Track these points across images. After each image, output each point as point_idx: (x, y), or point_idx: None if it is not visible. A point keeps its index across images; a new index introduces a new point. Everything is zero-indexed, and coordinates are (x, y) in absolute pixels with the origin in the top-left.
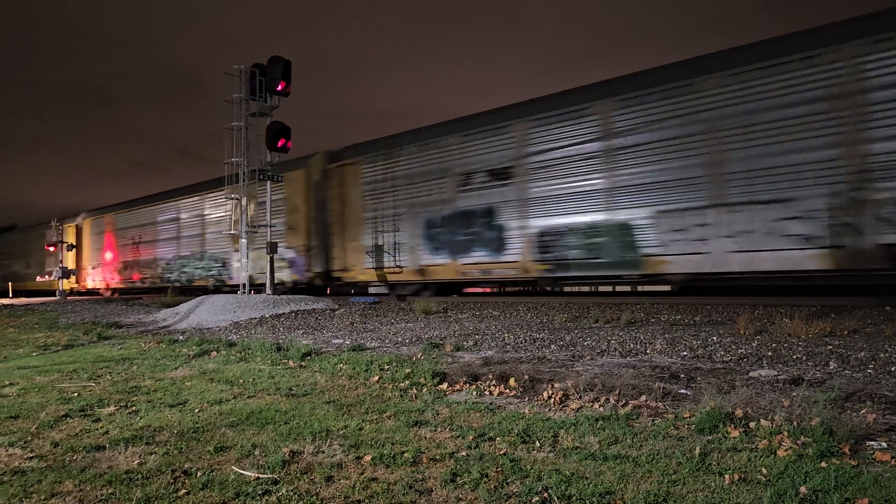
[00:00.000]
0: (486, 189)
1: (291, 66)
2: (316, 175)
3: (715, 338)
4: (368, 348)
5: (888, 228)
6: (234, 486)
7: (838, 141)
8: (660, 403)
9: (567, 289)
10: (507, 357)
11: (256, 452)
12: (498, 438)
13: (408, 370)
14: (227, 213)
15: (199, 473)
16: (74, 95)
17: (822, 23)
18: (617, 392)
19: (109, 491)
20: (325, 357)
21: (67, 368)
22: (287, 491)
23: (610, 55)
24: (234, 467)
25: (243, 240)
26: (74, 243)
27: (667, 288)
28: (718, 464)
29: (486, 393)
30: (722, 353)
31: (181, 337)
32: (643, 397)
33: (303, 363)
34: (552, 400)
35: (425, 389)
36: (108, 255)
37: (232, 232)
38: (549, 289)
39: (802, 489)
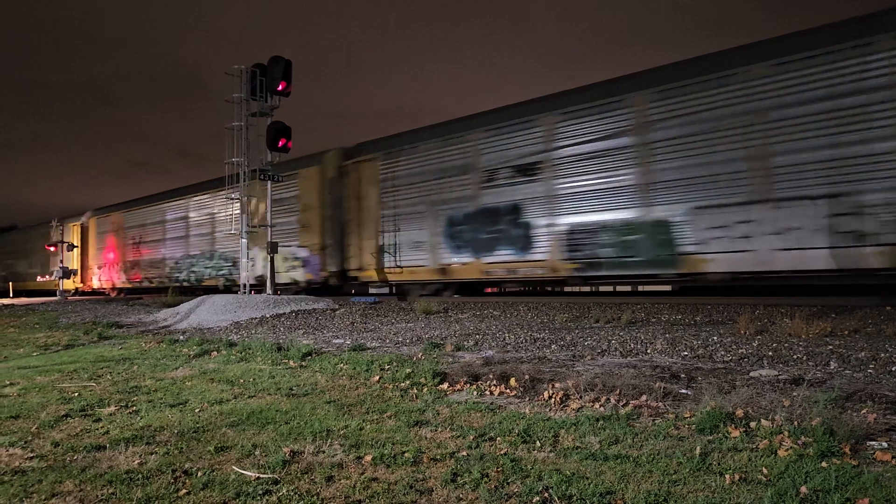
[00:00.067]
0: (512, 185)
1: (292, 66)
2: (330, 172)
3: (715, 338)
4: (369, 348)
5: None
6: (234, 486)
7: None
8: (660, 403)
9: (567, 289)
10: (508, 357)
11: (257, 452)
12: (498, 438)
13: (408, 370)
14: (238, 212)
15: (199, 473)
16: (74, 95)
17: (823, 23)
18: (617, 392)
19: (110, 491)
20: (326, 357)
21: (68, 368)
22: (287, 491)
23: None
24: (234, 467)
25: (243, 240)
26: (79, 243)
27: (667, 288)
28: (719, 464)
29: (487, 393)
30: (722, 352)
31: (182, 337)
32: (644, 397)
33: (303, 363)
34: (553, 400)
35: (426, 389)
36: (115, 255)
37: (241, 229)
38: (578, 288)
39: (803, 489)
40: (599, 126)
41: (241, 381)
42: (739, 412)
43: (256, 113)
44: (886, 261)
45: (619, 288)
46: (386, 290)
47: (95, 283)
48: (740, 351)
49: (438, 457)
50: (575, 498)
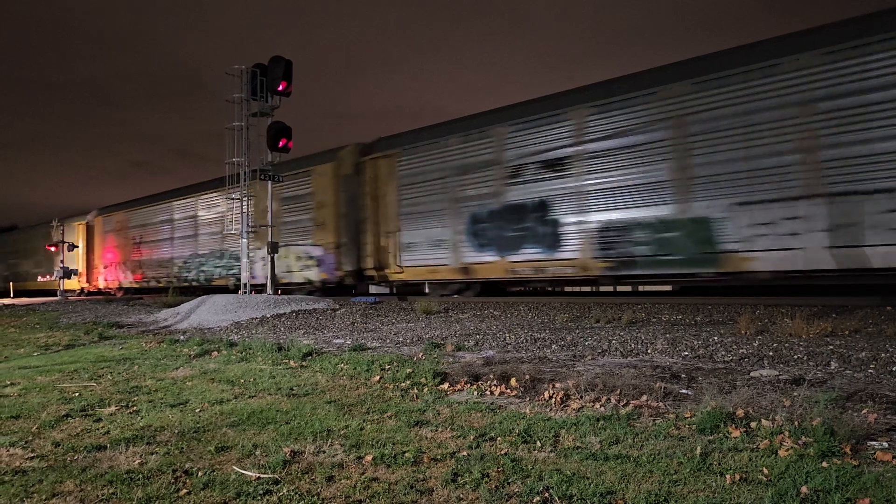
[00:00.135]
0: (539, 181)
1: (292, 66)
2: (346, 168)
3: (716, 338)
4: (369, 348)
5: None
6: (235, 486)
7: None
8: (661, 403)
9: (567, 289)
10: (509, 357)
11: (257, 452)
12: (499, 438)
13: (409, 370)
14: (249, 211)
15: (200, 473)
16: (74, 95)
17: (823, 23)
18: (618, 392)
19: (110, 491)
20: (326, 357)
21: (68, 368)
22: (288, 491)
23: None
24: (235, 467)
25: (244, 240)
26: (84, 242)
27: (668, 288)
28: (719, 464)
29: (488, 393)
30: (723, 352)
31: (182, 337)
32: (644, 397)
33: (304, 363)
34: (553, 400)
35: (426, 389)
36: (121, 254)
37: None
38: (612, 288)
39: (804, 489)
40: (633, 119)
41: (242, 381)
42: (740, 412)
43: (257, 113)
44: None
45: (619, 288)
46: (407, 290)
47: (101, 283)
48: (741, 351)
49: (439, 457)
50: (575, 498)
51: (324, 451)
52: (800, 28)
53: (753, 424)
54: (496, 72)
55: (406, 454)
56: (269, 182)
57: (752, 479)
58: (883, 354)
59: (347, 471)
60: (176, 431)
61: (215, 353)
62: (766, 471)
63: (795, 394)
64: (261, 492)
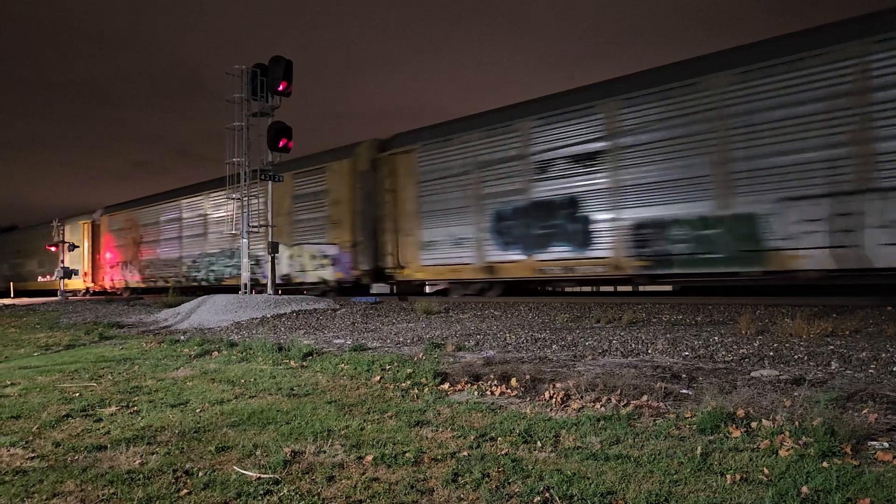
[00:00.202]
0: (568, 177)
1: (293, 66)
2: (363, 165)
3: (716, 338)
4: (370, 348)
5: None
6: (235, 486)
7: None
8: (661, 403)
9: (568, 289)
10: (509, 357)
11: (258, 452)
12: (499, 438)
13: (409, 370)
14: (262, 209)
15: (200, 473)
16: (74, 95)
17: (823, 23)
18: (618, 392)
19: (111, 491)
20: (327, 357)
21: (69, 368)
22: (288, 491)
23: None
24: (235, 467)
25: (244, 240)
26: (89, 241)
27: (668, 288)
28: (720, 464)
29: (488, 393)
30: (723, 352)
31: (182, 337)
32: (645, 397)
33: (304, 363)
34: (554, 400)
35: (427, 389)
36: (128, 253)
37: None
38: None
39: (804, 489)
40: (670, 112)
41: (242, 381)
42: (740, 412)
43: (257, 113)
44: None
45: (620, 288)
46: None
47: (107, 283)
48: (741, 351)
49: (439, 457)
50: (576, 498)
51: (324, 452)
52: (800, 28)
53: (754, 424)
54: (496, 72)
55: (407, 454)
56: (270, 182)
57: (752, 479)
58: (883, 354)
59: (348, 471)
60: (176, 431)
61: (216, 353)
62: (766, 471)
63: (796, 394)
64: (261, 492)
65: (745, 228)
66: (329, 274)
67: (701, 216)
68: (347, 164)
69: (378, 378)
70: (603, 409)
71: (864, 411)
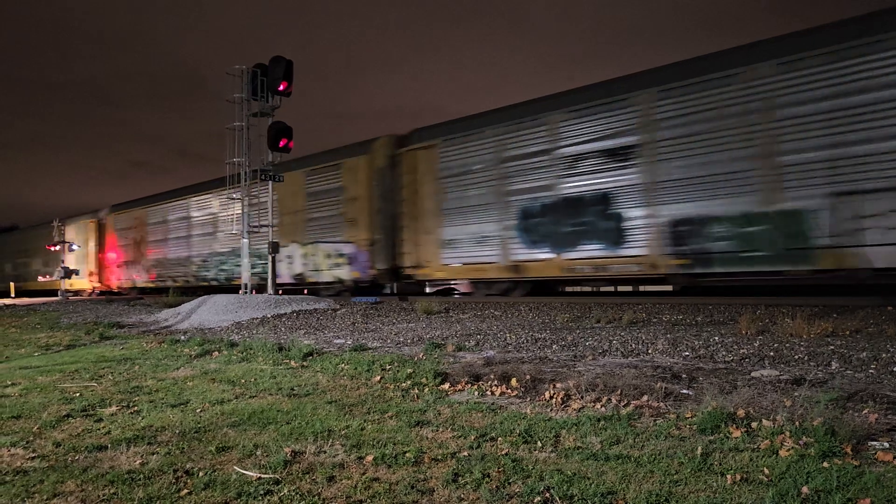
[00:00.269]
0: (600, 172)
1: (293, 66)
2: (380, 161)
3: (717, 338)
4: (370, 348)
5: None
6: (235, 486)
7: None
8: (661, 403)
9: (569, 289)
10: (509, 357)
11: (258, 452)
12: (500, 438)
13: (409, 370)
14: (274, 208)
15: (200, 473)
16: (74, 95)
17: (823, 23)
18: (619, 392)
19: (111, 491)
20: (327, 357)
21: (69, 368)
22: (289, 491)
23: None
24: (235, 467)
25: (245, 240)
26: (95, 240)
27: (668, 288)
28: (720, 464)
29: (488, 393)
30: (724, 353)
31: (183, 337)
32: (645, 397)
33: (304, 363)
34: (554, 400)
35: (427, 389)
36: (136, 252)
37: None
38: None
39: (804, 489)
40: (710, 103)
41: (243, 381)
42: (741, 412)
43: (257, 113)
44: None
45: (620, 288)
46: (461, 289)
47: (114, 283)
48: (741, 351)
49: (440, 457)
50: (576, 498)
51: (325, 452)
52: (800, 28)
53: (754, 424)
54: (496, 72)
55: (407, 454)
56: (270, 182)
57: (752, 480)
58: (884, 354)
59: (348, 471)
60: (177, 431)
61: (216, 353)
62: (766, 471)
63: (796, 394)
64: (262, 492)
65: (793, 224)
66: (345, 273)
67: (744, 212)
68: (364, 160)
69: (378, 378)
70: (603, 409)
71: (864, 411)
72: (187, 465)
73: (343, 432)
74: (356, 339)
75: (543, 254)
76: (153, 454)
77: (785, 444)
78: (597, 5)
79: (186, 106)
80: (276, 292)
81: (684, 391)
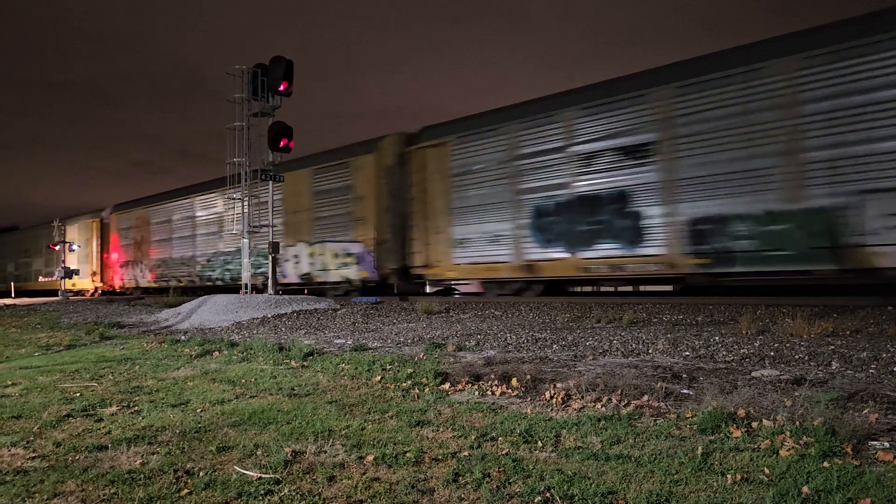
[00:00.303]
0: (617, 170)
1: (293, 66)
2: (389, 159)
3: (717, 338)
4: (370, 348)
5: None
6: (236, 486)
7: None
8: (662, 403)
9: (572, 289)
10: (510, 357)
11: (259, 452)
12: (500, 438)
13: (410, 370)
14: (277, 207)
15: (201, 473)
16: (74, 95)
17: (823, 23)
18: (619, 392)
19: (112, 491)
20: (328, 357)
21: (69, 368)
22: (289, 491)
23: (610, 55)
24: (236, 467)
25: (245, 240)
26: (98, 240)
27: (669, 288)
28: (721, 464)
29: (489, 393)
30: (724, 352)
31: (183, 337)
32: (645, 397)
33: (305, 363)
34: (554, 400)
35: (427, 389)
36: (140, 252)
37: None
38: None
39: (805, 489)
40: (732, 100)
41: (243, 381)
42: (741, 412)
43: (258, 113)
44: None
45: (620, 288)
46: (462, 289)
47: (117, 283)
48: (742, 351)
49: (440, 457)
50: (577, 498)
51: (325, 451)
52: (800, 28)
53: (755, 424)
54: (496, 72)
55: (407, 454)
56: (270, 181)
57: (753, 479)
58: (884, 354)
59: (349, 471)
60: (177, 431)
61: (216, 353)
62: (767, 471)
63: (797, 394)
64: (262, 492)
65: (819, 223)
66: (353, 273)
67: (768, 210)
68: (372, 158)
69: (379, 378)
70: (604, 409)
71: (864, 411)
72: (188, 465)
73: (343, 432)
74: (356, 339)
75: (558, 253)
76: (153, 454)
77: (785, 443)
78: (597, 5)
79: (186, 106)
80: (276, 292)
81: (685, 391)
